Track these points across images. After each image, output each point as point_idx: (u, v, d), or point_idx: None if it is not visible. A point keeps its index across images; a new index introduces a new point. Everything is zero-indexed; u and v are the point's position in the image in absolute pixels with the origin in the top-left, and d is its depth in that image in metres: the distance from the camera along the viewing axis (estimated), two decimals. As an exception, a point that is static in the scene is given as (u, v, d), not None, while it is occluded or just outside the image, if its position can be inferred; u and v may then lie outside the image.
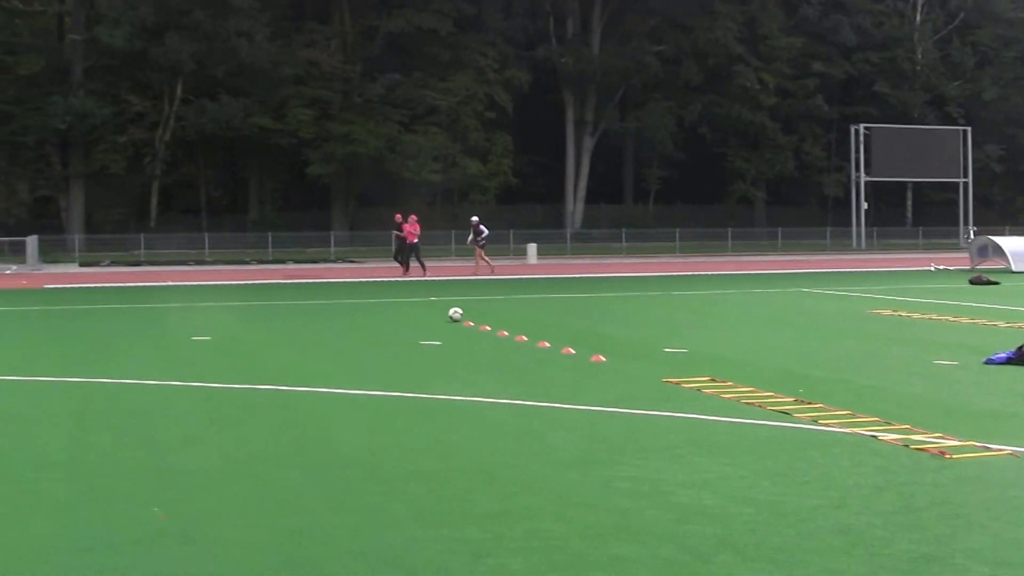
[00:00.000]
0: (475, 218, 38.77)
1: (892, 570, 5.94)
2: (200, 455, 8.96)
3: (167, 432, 9.92)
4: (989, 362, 13.74)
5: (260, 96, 57.43)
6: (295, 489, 7.81)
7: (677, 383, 12.45)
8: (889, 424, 9.96)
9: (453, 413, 10.80)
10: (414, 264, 36.51)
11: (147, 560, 6.20)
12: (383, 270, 38.86)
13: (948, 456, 8.63)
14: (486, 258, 37.84)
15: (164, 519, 7.03)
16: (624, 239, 57.85)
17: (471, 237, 38.19)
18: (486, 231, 38.21)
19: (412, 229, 36.35)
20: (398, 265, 37.23)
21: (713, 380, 12.66)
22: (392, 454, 8.87)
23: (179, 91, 56.25)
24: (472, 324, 19.30)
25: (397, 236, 37.60)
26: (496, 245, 55.06)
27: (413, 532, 6.71)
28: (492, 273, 36.61)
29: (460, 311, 20.36)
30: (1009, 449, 8.86)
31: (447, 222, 59.52)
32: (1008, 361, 13.59)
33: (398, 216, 37.96)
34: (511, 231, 56.01)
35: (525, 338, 16.97)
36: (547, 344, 16.10)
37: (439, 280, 33.92)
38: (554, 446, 9.16)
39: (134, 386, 12.67)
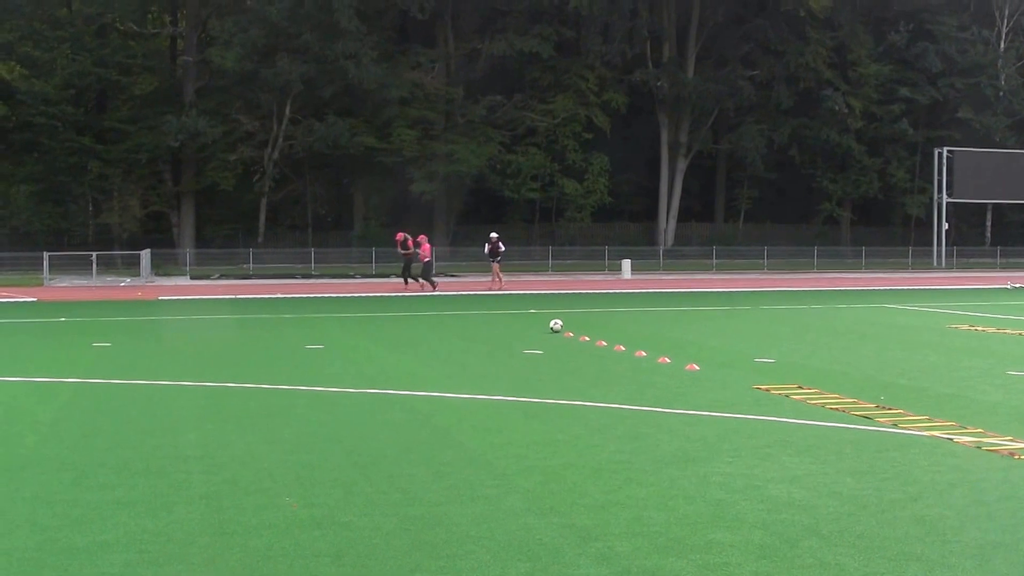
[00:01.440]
0: (494, 235, 38.92)
1: (962, 555, 6.57)
2: (327, 452, 9.60)
3: (293, 431, 10.61)
4: None
5: (366, 116, 58.36)
6: (419, 482, 8.43)
7: (766, 390, 13.06)
8: (964, 428, 10.53)
9: (560, 415, 11.42)
10: (414, 281, 37.26)
11: (283, 543, 6.89)
12: (483, 284, 39.53)
13: (1018, 457, 9.20)
14: (500, 274, 38.05)
15: (296, 508, 7.68)
16: (715, 256, 58.14)
17: (488, 249, 38.16)
18: (503, 248, 38.49)
19: (426, 249, 36.71)
20: (404, 282, 37.48)
21: (800, 387, 13.25)
22: (506, 451, 9.54)
23: (288, 111, 57.20)
24: (572, 335, 19.96)
25: (404, 254, 37.41)
26: (592, 261, 55.95)
27: (527, 520, 7.35)
28: (501, 289, 36.87)
29: (560, 322, 20.96)
30: (1077, 452, 9.37)
31: (544, 239, 60.45)
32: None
33: (400, 235, 37.98)
34: (606, 247, 56.63)
35: (623, 348, 17.62)
36: (644, 353, 16.75)
37: (540, 294, 34.51)
38: (654, 445, 9.79)
39: (257, 390, 13.41)
